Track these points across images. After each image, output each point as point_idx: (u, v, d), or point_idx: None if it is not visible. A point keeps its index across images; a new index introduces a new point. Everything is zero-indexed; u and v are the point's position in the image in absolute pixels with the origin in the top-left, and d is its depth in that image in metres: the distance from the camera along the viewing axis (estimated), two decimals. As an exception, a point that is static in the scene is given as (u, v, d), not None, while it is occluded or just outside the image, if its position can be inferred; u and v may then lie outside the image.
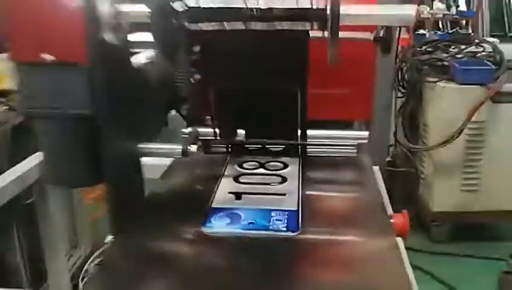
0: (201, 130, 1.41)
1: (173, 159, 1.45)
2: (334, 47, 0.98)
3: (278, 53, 1.28)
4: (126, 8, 1.06)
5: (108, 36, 1.01)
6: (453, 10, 6.08)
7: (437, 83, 3.11)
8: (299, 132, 1.40)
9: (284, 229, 1.15)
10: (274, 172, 1.43)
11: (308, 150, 1.49)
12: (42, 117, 1.05)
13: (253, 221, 1.18)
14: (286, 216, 1.20)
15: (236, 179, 1.39)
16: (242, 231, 1.15)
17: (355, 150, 1.44)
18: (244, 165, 1.48)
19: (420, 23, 5.26)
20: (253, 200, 1.28)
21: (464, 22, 6.11)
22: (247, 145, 1.50)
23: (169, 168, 1.44)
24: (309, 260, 1.10)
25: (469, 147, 3.13)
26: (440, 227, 3.32)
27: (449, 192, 3.23)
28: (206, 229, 1.15)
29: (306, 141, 1.40)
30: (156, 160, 1.42)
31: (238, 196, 1.30)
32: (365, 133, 1.38)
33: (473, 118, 2.99)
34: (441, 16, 5.84)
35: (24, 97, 1.05)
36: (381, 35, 1.24)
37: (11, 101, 2.28)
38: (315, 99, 1.35)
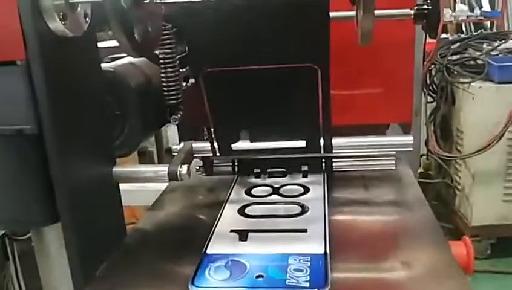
0: (197, 145, 1.11)
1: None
2: (368, 18, 0.69)
3: (287, 24, 0.96)
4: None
5: (55, 25, 0.74)
6: (477, 11, 5.88)
7: (472, 84, 2.92)
8: (321, 141, 1.07)
9: (307, 285, 0.82)
10: (291, 199, 1.11)
11: (335, 164, 1.17)
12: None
13: (262, 273, 0.86)
14: (309, 263, 0.87)
15: (241, 210, 1.08)
16: None
17: (394, 162, 1.13)
18: (253, 191, 1.17)
19: (442, 27, 5.04)
20: (263, 240, 0.97)
21: (488, 23, 5.91)
22: (255, 161, 1.19)
23: (160, 197, 1.16)
24: None
25: (510, 153, 2.91)
26: (481, 242, 3.09)
27: (489, 204, 3.01)
28: (195, 289, 0.83)
29: (331, 152, 1.07)
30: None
31: (242, 234, 0.98)
32: (409, 138, 1.06)
33: (514, 120, 2.77)
34: (464, 18, 5.65)
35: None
36: (424, 7, 0.95)
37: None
38: (341, 100, 1.05)
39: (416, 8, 0.97)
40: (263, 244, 0.95)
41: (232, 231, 1.00)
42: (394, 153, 1.12)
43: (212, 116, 1.09)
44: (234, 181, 1.21)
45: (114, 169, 0.95)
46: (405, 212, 1.06)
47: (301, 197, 1.12)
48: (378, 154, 1.12)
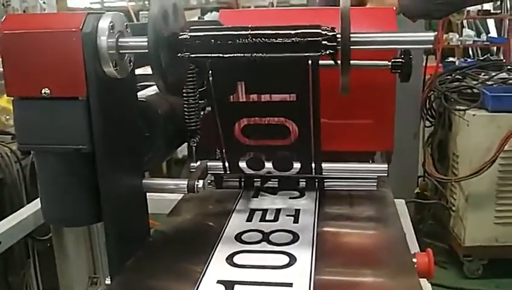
0: (211, 163, 1.32)
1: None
2: (346, 76, 0.90)
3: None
4: (129, 40, 1.01)
5: (109, 70, 0.97)
6: (483, 37, 6.01)
7: (467, 111, 3.07)
8: (313, 165, 1.27)
9: None
10: (279, 248, 1.11)
11: (326, 183, 1.37)
12: (39, 152, 1.02)
13: None
14: None
15: (230, 259, 1.07)
16: None
17: (375, 184, 1.34)
18: (243, 237, 1.17)
19: (449, 50, 5.20)
20: None
21: (495, 48, 6.04)
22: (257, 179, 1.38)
23: (177, 205, 1.36)
24: None
25: (502, 178, 3.06)
26: (473, 262, 3.22)
27: (481, 225, 3.14)
28: None
29: (321, 174, 1.27)
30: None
31: (228, 287, 0.97)
32: (384, 166, 1.28)
33: (506, 147, 2.92)
34: (471, 42, 5.78)
35: (22, 132, 1.01)
36: (399, 61, 1.17)
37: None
38: (331, 129, 1.25)
39: (392, 60, 1.19)
40: None
41: (218, 281, 0.99)
42: (375, 176, 1.33)
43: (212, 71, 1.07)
44: (239, 195, 1.39)
45: (143, 181, 1.16)
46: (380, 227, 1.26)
47: (290, 246, 1.12)
48: (363, 177, 1.34)
